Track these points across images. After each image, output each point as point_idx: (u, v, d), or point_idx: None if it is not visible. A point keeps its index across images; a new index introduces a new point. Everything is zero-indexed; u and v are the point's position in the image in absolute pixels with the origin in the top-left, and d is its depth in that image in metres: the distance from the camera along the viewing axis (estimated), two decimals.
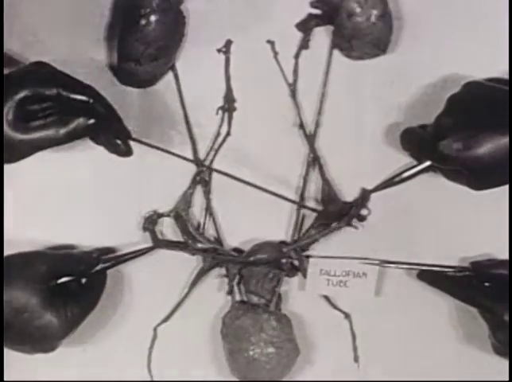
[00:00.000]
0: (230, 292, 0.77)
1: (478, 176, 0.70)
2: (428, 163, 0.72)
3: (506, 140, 0.68)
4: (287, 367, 0.75)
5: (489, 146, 0.68)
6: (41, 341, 0.70)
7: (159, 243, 0.77)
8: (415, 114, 0.76)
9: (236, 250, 0.77)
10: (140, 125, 0.76)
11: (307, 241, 0.77)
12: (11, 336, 0.69)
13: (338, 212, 0.77)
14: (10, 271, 0.70)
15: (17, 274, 0.70)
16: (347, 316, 0.78)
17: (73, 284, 0.72)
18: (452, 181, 0.73)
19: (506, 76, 0.74)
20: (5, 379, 0.71)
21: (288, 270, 0.77)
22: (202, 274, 0.77)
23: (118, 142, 0.71)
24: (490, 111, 0.69)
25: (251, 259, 0.76)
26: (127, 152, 0.71)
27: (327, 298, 0.78)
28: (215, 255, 0.76)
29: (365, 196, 0.76)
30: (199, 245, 0.76)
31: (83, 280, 0.72)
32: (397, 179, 0.75)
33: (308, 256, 0.77)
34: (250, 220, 0.77)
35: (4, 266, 0.70)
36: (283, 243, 0.77)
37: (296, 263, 0.77)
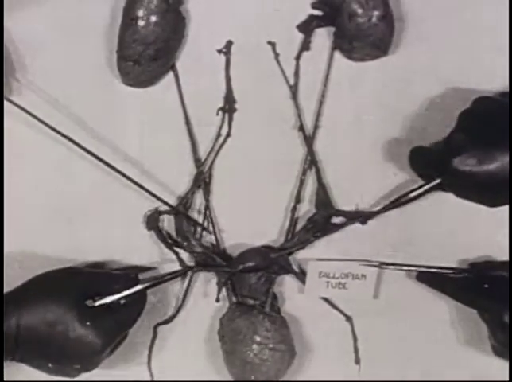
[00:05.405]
0: (219, 300, 0.77)
1: (492, 192, 0.70)
2: (437, 181, 0.71)
3: None
4: (283, 368, 0.75)
5: (503, 162, 0.67)
6: (80, 356, 0.69)
7: (164, 241, 0.77)
8: (416, 117, 0.76)
9: (225, 255, 0.77)
10: (140, 125, 0.76)
11: (292, 245, 0.77)
12: (49, 352, 0.69)
13: (329, 218, 0.77)
14: (44, 287, 0.70)
15: (51, 290, 0.70)
16: (348, 318, 0.78)
17: (112, 303, 0.71)
18: (463, 198, 0.71)
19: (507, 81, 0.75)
20: (5, 379, 0.71)
21: (279, 269, 0.77)
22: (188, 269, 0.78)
23: None
24: (502, 127, 0.68)
25: (240, 268, 0.76)
26: None
27: (327, 300, 0.78)
28: (205, 259, 0.77)
29: (369, 217, 0.76)
30: (192, 248, 0.77)
31: (122, 301, 0.72)
32: (403, 200, 0.75)
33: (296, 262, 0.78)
34: (246, 221, 0.77)
35: (38, 281, 0.71)
36: (269, 248, 0.77)
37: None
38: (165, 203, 0.76)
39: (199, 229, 0.77)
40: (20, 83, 0.75)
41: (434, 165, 0.71)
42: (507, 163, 0.67)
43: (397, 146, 0.76)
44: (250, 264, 0.76)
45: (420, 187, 0.73)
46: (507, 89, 0.74)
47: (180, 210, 0.76)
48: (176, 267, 0.77)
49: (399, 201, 0.75)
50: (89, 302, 0.70)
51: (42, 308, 0.68)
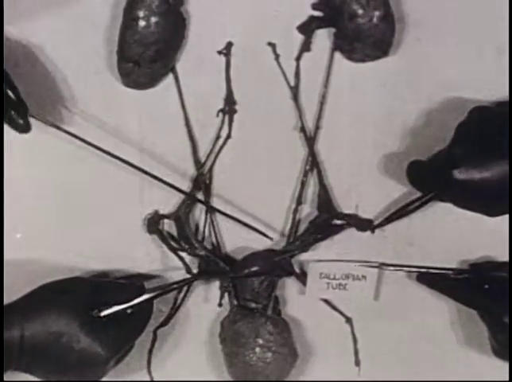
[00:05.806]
0: (221, 305, 0.78)
1: (492, 202, 0.70)
2: (436, 192, 0.71)
3: None
4: (285, 371, 0.76)
5: (504, 172, 0.67)
6: (85, 367, 0.69)
7: (168, 245, 0.77)
8: (417, 118, 0.76)
9: (228, 258, 0.77)
10: (140, 126, 0.76)
11: (295, 247, 0.77)
12: (54, 363, 0.68)
13: (331, 221, 0.77)
14: (49, 297, 0.69)
15: (56, 300, 0.69)
16: (348, 319, 0.78)
17: (117, 313, 0.70)
18: (463, 208, 0.71)
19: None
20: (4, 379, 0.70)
21: (282, 272, 0.77)
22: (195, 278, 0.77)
23: (17, 117, 0.68)
24: (500, 136, 0.68)
25: (244, 272, 0.76)
26: (26, 128, 0.69)
27: (328, 301, 0.78)
28: (208, 262, 0.76)
29: (369, 227, 0.76)
30: (195, 252, 0.76)
31: (128, 311, 0.71)
32: (401, 213, 0.75)
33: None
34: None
35: (43, 291, 0.70)
36: (272, 251, 0.77)
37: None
38: (182, 191, 0.75)
39: (200, 231, 0.77)
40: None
41: (433, 178, 0.71)
42: (507, 172, 0.67)
43: (397, 146, 0.76)
44: (254, 269, 0.75)
45: (419, 199, 0.73)
46: (507, 89, 0.74)
47: (208, 204, 0.76)
48: (179, 273, 0.77)
49: (398, 214, 0.75)
50: (94, 313, 0.69)
51: (47, 318, 0.68)
